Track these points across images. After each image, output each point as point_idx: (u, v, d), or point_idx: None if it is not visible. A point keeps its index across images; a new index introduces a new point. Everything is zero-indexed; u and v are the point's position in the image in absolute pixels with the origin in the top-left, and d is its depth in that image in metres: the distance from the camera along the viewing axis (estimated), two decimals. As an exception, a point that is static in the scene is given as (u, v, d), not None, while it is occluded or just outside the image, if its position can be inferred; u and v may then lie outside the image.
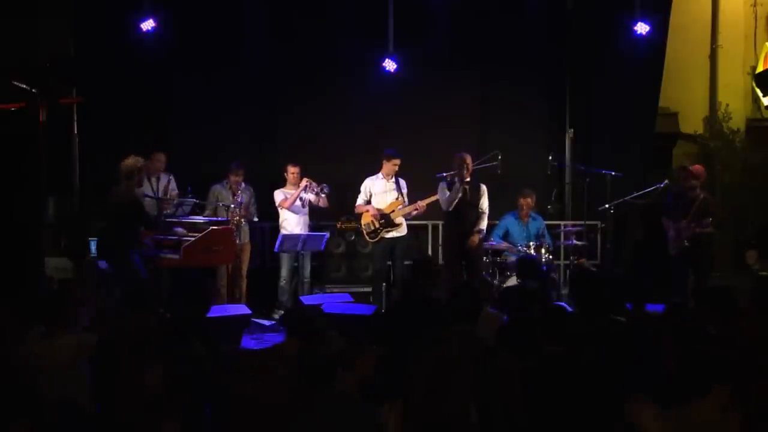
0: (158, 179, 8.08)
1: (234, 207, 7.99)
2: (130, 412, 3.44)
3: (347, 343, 3.55)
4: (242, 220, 8.08)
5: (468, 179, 7.91)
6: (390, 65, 8.86)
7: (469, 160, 7.93)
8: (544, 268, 7.74)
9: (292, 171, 8.42)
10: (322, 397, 3.28)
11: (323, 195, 8.32)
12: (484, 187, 8.07)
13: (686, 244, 7.79)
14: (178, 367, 3.41)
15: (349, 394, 3.35)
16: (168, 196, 7.94)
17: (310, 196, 8.40)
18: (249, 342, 6.91)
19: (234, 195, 8.18)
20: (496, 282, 8.07)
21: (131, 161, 6.76)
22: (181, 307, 4.62)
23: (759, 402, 3.14)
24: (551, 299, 6.28)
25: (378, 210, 8.22)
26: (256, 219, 8.45)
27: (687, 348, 3.14)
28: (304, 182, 8.31)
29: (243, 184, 8.22)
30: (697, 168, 8.15)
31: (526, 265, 6.08)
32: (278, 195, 8.44)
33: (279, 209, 8.45)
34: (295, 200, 8.34)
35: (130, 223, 6.76)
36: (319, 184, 8.30)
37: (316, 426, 3.22)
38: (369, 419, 3.28)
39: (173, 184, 8.18)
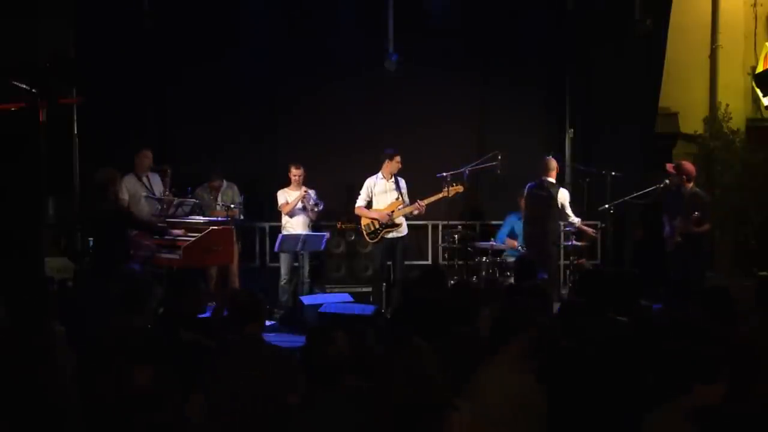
0: (149, 177, 8.02)
1: (220, 207, 7.99)
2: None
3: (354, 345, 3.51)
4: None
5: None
6: (390, 65, 8.86)
7: None
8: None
9: (294, 173, 8.38)
10: (325, 396, 3.26)
11: (316, 210, 8.32)
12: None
13: (678, 239, 7.71)
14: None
15: (353, 395, 3.33)
16: (165, 195, 7.89)
17: (307, 204, 8.36)
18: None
19: (215, 200, 8.18)
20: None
21: (102, 174, 6.46)
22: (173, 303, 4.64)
23: (757, 402, 3.15)
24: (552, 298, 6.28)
25: (380, 213, 8.17)
26: (241, 217, 8.27)
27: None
28: (303, 191, 8.29)
29: (225, 184, 8.28)
30: (685, 164, 8.08)
31: (525, 265, 6.09)
32: (280, 197, 8.43)
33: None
34: (293, 207, 8.32)
35: (118, 236, 6.50)
36: (316, 199, 8.28)
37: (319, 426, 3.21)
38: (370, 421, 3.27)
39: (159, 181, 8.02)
